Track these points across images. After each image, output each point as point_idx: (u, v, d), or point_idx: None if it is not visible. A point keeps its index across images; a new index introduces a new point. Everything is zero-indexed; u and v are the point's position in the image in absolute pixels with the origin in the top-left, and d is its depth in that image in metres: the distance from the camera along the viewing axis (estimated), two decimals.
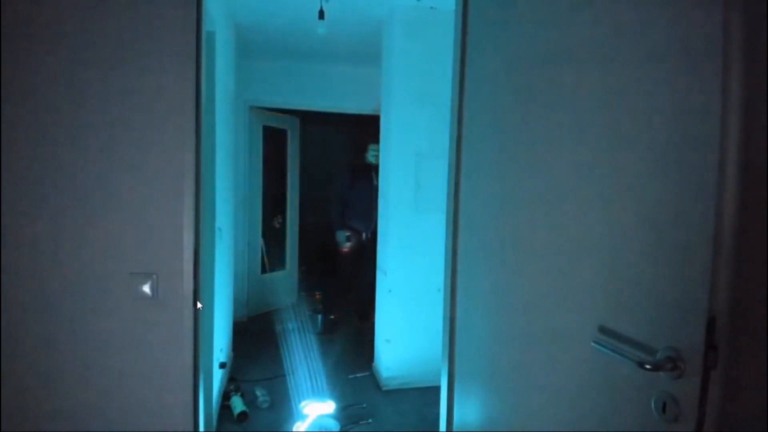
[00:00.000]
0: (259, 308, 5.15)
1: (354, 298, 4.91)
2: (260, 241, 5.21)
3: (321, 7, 3.07)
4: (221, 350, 3.13)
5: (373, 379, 3.68)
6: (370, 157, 4.68)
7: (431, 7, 3.38)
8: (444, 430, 1.80)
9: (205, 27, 1.64)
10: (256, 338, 4.46)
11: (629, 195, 0.99)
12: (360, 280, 4.74)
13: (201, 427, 1.66)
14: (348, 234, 4.81)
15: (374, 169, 4.53)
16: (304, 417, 2.96)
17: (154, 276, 1.52)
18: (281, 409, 3.15)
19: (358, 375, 3.73)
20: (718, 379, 0.82)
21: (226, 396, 3.16)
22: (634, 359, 0.92)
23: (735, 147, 0.80)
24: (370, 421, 3.05)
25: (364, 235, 4.63)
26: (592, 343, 1.04)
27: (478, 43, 1.63)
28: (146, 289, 1.51)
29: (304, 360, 3.96)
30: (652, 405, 0.91)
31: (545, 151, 1.26)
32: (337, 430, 2.91)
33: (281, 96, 5.02)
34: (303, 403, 3.08)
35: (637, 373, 0.92)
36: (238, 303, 4.65)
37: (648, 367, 0.89)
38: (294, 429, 2.89)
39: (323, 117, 5.63)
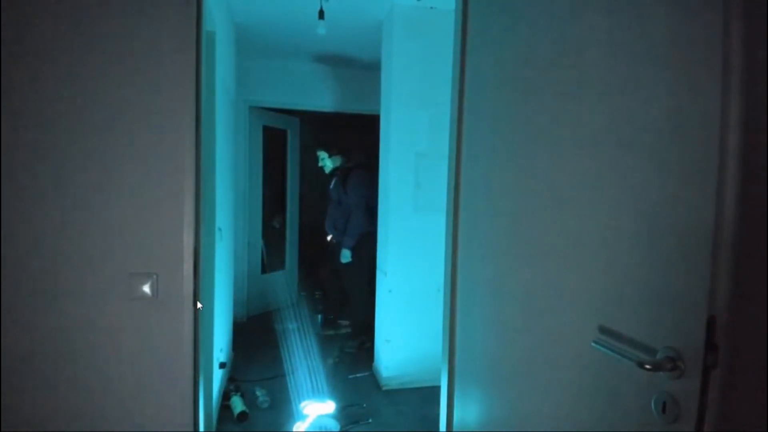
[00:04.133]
0: (259, 308, 5.15)
1: (349, 310, 4.47)
2: (260, 241, 5.21)
3: (321, 7, 3.08)
4: (221, 350, 3.13)
5: (373, 379, 3.68)
6: (322, 164, 4.41)
7: (431, 7, 3.38)
8: (444, 430, 1.80)
9: (205, 27, 1.65)
10: (256, 338, 4.46)
11: (629, 194, 0.99)
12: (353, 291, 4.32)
13: (201, 427, 1.66)
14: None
15: (338, 176, 4.29)
16: (304, 417, 2.96)
17: (154, 276, 1.52)
18: (281, 409, 3.15)
19: (358, 375, 3.74)
20: (718, 379, 0.82)
21: (226, 396, 3.16)
22: (634, 359, 0.92)
23: (735, 147, 0.80)
24: (370, 421, 3.05)
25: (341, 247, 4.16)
26: (592, 343, 1.04)
27: (478, 43, 1.63)
28: (146, 289, 1.51)
29: (304, 360, 3.96)
30: (652, 405, 0.91)
31: (545, 151, 1.26)
32: (337, 430, 2.91)
33: (281, 96, 5.02)
34: (303, 403, 3.08)
35: (637, 373, 0.92)
36: (238, 303, 4.65)
37: (648, 367, 0.89)
38: (294, 429, 2.89)
39: (323, 117, 5.63)
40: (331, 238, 4.45)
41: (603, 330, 1.05)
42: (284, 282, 5.49)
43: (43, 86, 1.45)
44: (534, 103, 1.32)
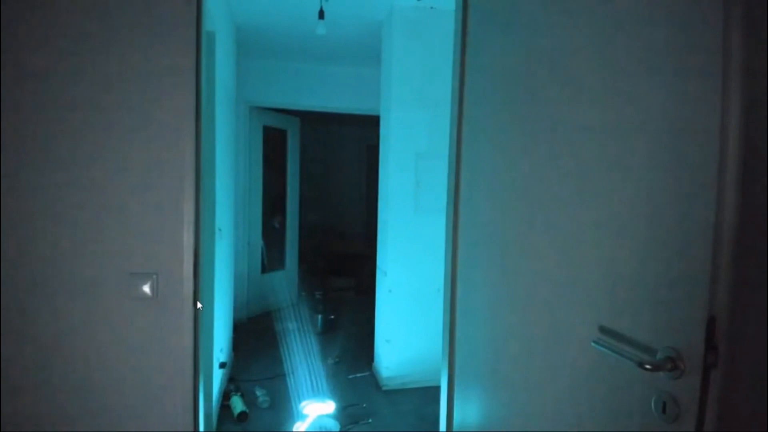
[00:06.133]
0: (259, 308, 5.15)
1: None
2: (260, 241, 5.22)
3: (321, 7, 3.08)
4: (221, 350, 3.13)
5: (373, 379, 3.68)
6: None
7: (431, 7, 3.38)
8: (444, 430, 1.80)
9: (205, 27, 1.64)
10: (256, 338, 4.46)
11: (629, 195, 0.99)
12: None
13: (201, 427, 1.66)
14: None
15: None
16: (304, 417, 2.96)
17: (154, 276, 1.52)
18: (281, 409, 3.15)
19: (358, 375, 3.74)
20: (718, 379, 0.82)
21: (226, 396, 3.16)
22: (634, 359, 0.92)
23: (735, 146, 0.80)
24: (370, 421, 3.05)
25: None
26: (592, 343, 1.04)
27: (478, 43, 1.63)
28: (146, 289, 1.51)
29: (304, 360, 3.96)
30: (652, 405, 0.91)
31: (545, 151, 1.26)
32: (337, 430, 2.91)
33: (281, 96, 5.02)
34: (303, 403, 3.08)
35: (637, 373, 0.92)
36: (238, 303, 4.65)
37: (648, 367, 0.89)
38: (294, 429, 2.89)
39: (323, 117, 5.63)
40: None
41: (603, 330, 1.05)
42: (284, 282, 5.50)
43: (44, 87, 1.45)
44: (534, 103, 1.32)
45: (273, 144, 5.32)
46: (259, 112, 5.05)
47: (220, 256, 3.01)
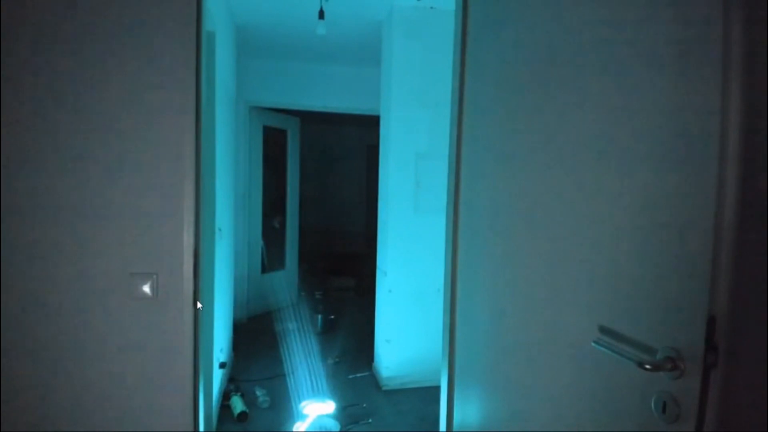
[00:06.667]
0: (259, 308, 5.15)
1: None
2: (260, 242, 5.22)
3: (321, 8, 3.08)
4: (221, 350, 3.13)
5: (373, 379, 3.68)
6: None
7: (431, 7, 3.38)
8: (444, 430, 1.80)
9: (205, 27, 1.64)
10: (256, 338, 4.46)
11: (629, 195, 0.99)
12: None
13: (201, 427, 1.66)
14: None
15: None
16: (304, 417, 2.96)
17: (154, 276, 1.52)
18: (281, 409, 3.15)
19: (358, 375, 3.74)
20: (718, 379, 0.82)
21: (226, 396, 3.16)
22: (634, 359, 0.92)
23: (735, 146, 0.80)
24: (370, 421, 3.05)
25: None
26: (592, 343, 1.04)
27: (478, 43, 1.63)
28: (146, 289, 1.51)
29: (304, 360, 3.96)
30: (652, 405, 0.91)
31: (545, 151, 1.26)
32: (337, 430, 2.91)
33: (281, 96, 5.02)
34: (303, 403, 3.08)
35: (637, 373, 0.92)
36: (238, 303, 4.65)
37: (648, 367, 0.89)
38: (294, 429, 2.89)
39: (323, 117, 5.63)
40: None
41: (603, 330, 1.05)
42: (284, 282, 5.50)
43: (44, 86, 1.45)
44: (534, 102, 1.32)
45: (273, 144, 5.32)
46: (259, 112, 5.05)
47: (220, 256, 3.01)
